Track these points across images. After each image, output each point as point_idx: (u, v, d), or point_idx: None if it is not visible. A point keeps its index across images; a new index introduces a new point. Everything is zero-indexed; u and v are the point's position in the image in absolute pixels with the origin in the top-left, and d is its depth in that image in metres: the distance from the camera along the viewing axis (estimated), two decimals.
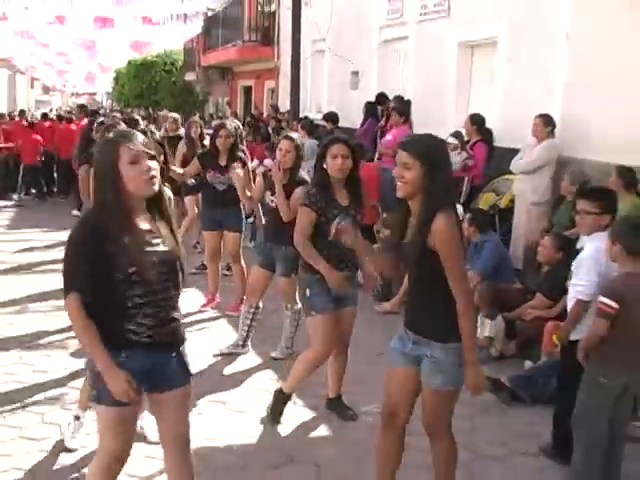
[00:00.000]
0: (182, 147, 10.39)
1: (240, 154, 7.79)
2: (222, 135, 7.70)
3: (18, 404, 5.61)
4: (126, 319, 3.34)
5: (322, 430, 5.41)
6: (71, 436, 4.93)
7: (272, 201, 6.42)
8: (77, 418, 4.99)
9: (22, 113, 21.06)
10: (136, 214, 3.38)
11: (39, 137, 17.04)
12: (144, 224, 3.40)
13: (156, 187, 3.37)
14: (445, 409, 3.92)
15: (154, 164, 3.36)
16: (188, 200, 10.48)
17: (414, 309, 3.91)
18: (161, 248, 3.40)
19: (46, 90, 68.46)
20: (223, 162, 7.75)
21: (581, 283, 4.64)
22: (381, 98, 12.65)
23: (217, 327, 7.77)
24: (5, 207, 16.06)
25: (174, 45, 30.30)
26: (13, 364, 6.45)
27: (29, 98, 56.87)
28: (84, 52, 32.79)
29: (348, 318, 5.38)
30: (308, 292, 5.20)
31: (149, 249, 3.34)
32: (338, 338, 5.29)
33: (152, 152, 3.36)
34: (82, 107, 22.98)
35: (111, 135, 3.64)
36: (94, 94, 70.42)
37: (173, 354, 3.51)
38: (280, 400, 5.45)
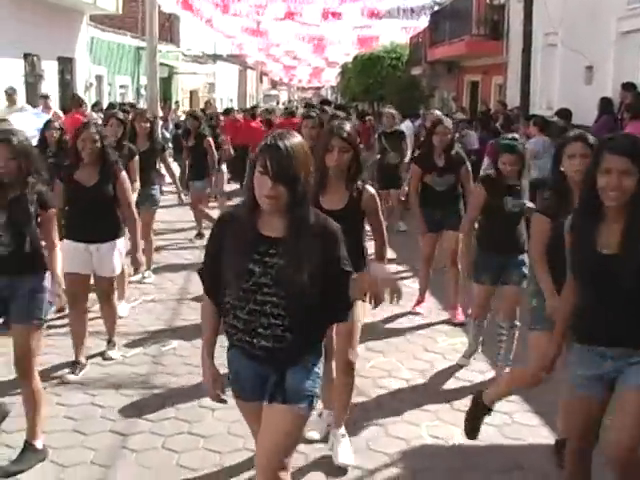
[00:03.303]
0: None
1: (456, 152, 7.46)
2: (439, 132, 7.34)
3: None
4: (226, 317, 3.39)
5: (549, 439, 5.19)
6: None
7: (514, 206, 5.99)
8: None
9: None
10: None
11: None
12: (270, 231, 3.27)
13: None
14: None
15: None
16: None
17: (621, 323, 3.59)
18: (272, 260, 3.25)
19: (274, 84, 71.12)
20: (441, 162, 7.41)
21: None
22: (629, 87, 11.96)
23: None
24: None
25: (400, 39, 30.53)
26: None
27: (258, 93, 59.25)
28: (311, 48, 33.81)
29: None
30: (535, 302, 4.77)
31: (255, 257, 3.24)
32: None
33: None
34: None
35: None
36: (319, 88, 72.34)
37: (275, 370, 3.34)
38: (480, 410, 4.99)
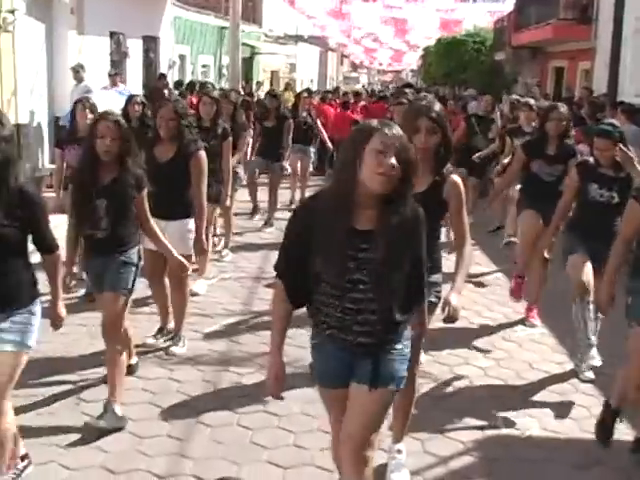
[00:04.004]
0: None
1: (568, 142, 6.97)
2: (553, 118, 6.82)
3: None
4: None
5: (629, 435, 5.05)
6: None
7: (601, 195, 5.78)
8: None
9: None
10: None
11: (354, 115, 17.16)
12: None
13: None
14: None
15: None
16: None
17: None
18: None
19: (354, 67, 70.89)
20: (552, 151, 6.90)
21: None
22: None
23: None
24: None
25: (483, 23, 30.10)
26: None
27: (338, 75, 59.16)
28: (393, 31, 33.59)
29: None
30: (630, 300, 4.56)
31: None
32: None
33: None
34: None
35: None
36: (399, 72, 71.87)
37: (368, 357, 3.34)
38: (609, 415, 4.82)
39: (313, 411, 5.04)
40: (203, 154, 6.16)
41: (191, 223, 6.14)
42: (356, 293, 3.18)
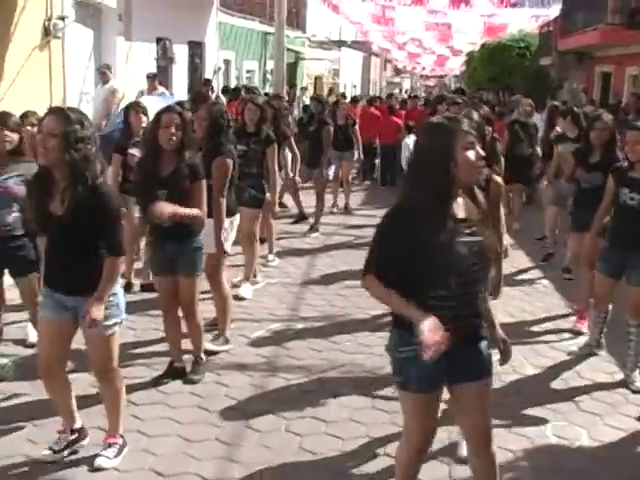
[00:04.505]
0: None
1: (613, 151, 6.79)
2: (598, 128, 6.83)
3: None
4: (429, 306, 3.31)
5: None
6: None
7: (632, 199, 5.73)
8: None
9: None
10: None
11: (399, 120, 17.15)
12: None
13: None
14: None
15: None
16: None
17: None
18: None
19: (397, 72, 70.79)
20: (594, 159, 6.89)
21: None
22: None
23: None
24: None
25: (529, 28, 29.83)
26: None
27: (381, 79, 59.14)
28: (437, 36, 33.44)
29: None
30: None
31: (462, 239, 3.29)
32: None
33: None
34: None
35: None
36: (442, 77, 71.54)
37: (474, 346, 3.46)
38: None
39: (362, 418, 5.06)
40: (223, 160, 5.98)
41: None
42: (471, 277, 3.31)
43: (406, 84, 71.03)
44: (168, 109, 5.27)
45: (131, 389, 5.40)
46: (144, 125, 7.22)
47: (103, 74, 12.57)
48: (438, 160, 3.24)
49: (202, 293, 5.94)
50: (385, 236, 3.35)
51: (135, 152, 7.21)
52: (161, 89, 13.38)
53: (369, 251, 3.40)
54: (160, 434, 4.80)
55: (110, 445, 4.45)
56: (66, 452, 4.48)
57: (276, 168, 7.96)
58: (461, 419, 3.62)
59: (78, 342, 4.43)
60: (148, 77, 13.55)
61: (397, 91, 42.81)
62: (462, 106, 6.61)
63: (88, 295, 4.10)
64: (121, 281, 4.55)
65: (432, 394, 3.49)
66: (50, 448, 4.47)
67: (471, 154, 3.26)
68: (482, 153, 3.31)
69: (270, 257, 9.24)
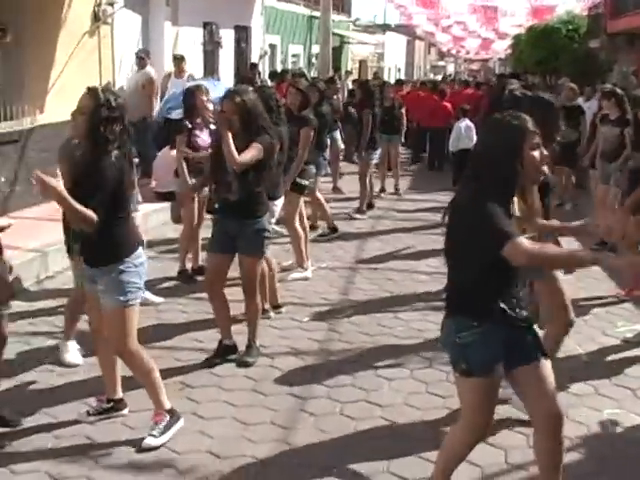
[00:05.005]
0: None
1: None
2: None
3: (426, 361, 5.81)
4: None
5: None
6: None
7: None
8: None
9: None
10: None
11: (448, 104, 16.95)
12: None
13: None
14: None
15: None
16: None
17: None
18: None
19: (441, 56, 70.22)
20: None
21: None
22: None
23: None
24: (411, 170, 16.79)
25: (577, 9, 29.40)
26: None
27: (425, 63, 58.72)
28: (482, 19, 33.12)
29: None
30: None
31: None
32: None
33: None
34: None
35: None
36: (487, 60, 70.81)
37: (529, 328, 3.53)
38: None
39: (416, 402, 5.05)
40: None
41: (261, 223, 5.72)
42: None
43: (450, 68, 70.34)
44: (227, 95, 5.54)
45: (185, 371, 5.49)
46: (209, 105, 7.51)
47: (141, 59, 12.61)
48: (506, 159, 3.31)
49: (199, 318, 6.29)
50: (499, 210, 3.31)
51: (199, 133, 7.39)
52: (187, 73, 13.26)
53: (495, 223, 3.23)
54: (215, 416, 4.83)
55: (156, 423, 4.51)
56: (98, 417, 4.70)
57: (304, 150, 7.72)
58: (527, 402, 3.61)
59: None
60: (176, 58, 13.35)
61: (440, 76, 42.40)
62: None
63: (102, 266, 4.29)
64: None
65: (495, 378, 3.48)
66: (88, 412, 4.73)
67: (537, 154, 3.35)
68: (546, 153, 3.41)
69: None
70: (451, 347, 3.51)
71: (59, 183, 4.01)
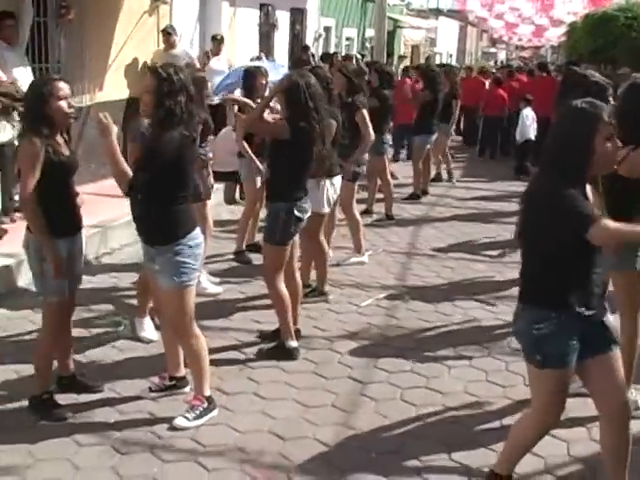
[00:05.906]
0: None
1: None
2: None
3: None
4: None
5: None
6: None
7: None
8: None
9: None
10: None
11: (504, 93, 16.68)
12: None
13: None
14: None
15: None
16: None
17: None
18: None
19: (493, 42, 69.35)
20: None
21: None
22: None
23: None
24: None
25: None
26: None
27: (477, 50, 58.13)
28: (537, 6, 32.64)
29: None
30: None
31: None
32: None
33: None
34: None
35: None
36: (539, 48, 69.82)
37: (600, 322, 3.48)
38: None
39: (476, 390, 5.04)
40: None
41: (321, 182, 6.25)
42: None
43: (502, 55, 69.47)
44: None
45: (245, 352, 5.50)
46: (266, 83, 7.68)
47: (168, 35, 11.45)
48: (580, 147, 3.26)
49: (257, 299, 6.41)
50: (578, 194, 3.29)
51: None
52: (223, 54, 12.91)
53: (576, 206, 3.22)
54: (277, 398, 4.86)
55: (192, 407, 4.51)
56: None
57: (367, 132, 7.61)
58: (596, 394, 3.55)
59: None
60: (215, 39, 12.86)
61: (492, 62, 41.95)
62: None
63: (159, 245, 4.33)
64: None
65: (568, 369, 3.45)
66: (150, 388, 4.84)
67: (612, 147, 3.30)
68: (619, 144, 3.35)
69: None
70: (526, 337, 3.47)
71: (115, 131, 4.21)
